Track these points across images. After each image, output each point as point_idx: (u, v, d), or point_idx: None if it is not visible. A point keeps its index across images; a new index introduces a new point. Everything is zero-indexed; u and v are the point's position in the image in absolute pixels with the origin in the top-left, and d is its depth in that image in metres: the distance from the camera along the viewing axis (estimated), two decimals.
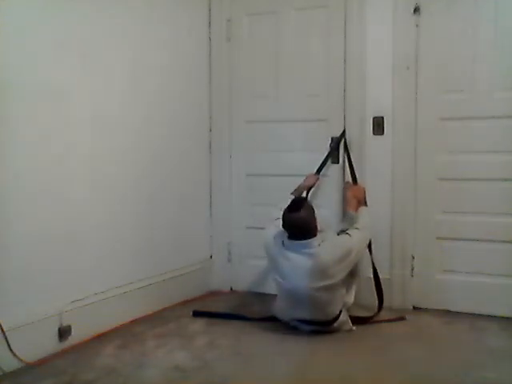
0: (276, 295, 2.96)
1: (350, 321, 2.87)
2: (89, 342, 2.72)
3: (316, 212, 2.83)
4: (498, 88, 3.03)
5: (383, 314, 3.06)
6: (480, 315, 3.05)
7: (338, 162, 3.35)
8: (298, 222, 2.76)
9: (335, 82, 3.36)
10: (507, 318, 3.00)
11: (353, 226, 2.91)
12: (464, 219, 3.14)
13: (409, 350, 2.64)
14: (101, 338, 2.77)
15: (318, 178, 3.30)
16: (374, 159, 3.29)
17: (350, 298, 2.95)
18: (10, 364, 2.38)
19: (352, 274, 2.90)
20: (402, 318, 3.05)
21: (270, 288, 3.08)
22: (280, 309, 2.93)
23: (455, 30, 3.12)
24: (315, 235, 2.77)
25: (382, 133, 3.27)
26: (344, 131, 3.33)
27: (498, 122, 3.05)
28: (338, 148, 3.34)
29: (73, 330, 2.66)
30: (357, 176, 3.24)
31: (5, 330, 2.34)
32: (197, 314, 3.17)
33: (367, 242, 3.01)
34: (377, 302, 3.10)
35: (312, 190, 3.30)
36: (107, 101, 2.90)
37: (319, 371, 2.43)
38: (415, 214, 3.23)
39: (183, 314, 3.17)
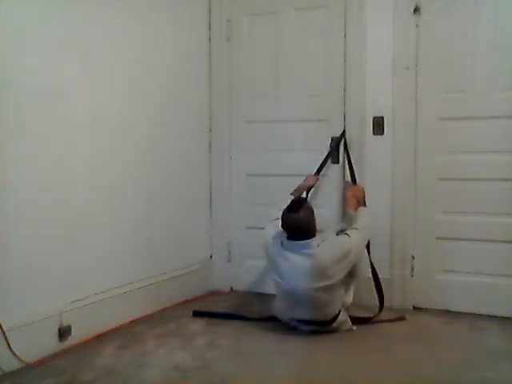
0: (275, 295, 2.97)
1: (349, 320, 2.87)
2: (89, 342, 2.72)
3: (315, 212, 2.83)
4: (498, 88, 3.03)
5: (383, 314, 3.06)
6: (480, 315, 3.05)
7: (338, 162, 3.35)
8: (297, 223, 2.76)
9: (335, 82, 3.36)
10: (507, 318, 3.00)
11: (352, 226, 2.92)
12: (464, 219, 3.14)
13: (409, 350, 2.64)
14: (101, 338, 2.77)
15: (317, 179, 3.29)
16: (374, 159, 3.29)
17: (349, 298, 2.95)
18: (10, 364, 2.38)
19: (351, 274, 2.90)
20: (402, 318, 3.05)
21: (270, 288, 3.08)
22: (279, 309, 2.93)
23: (455, 30, 3.12)
24: (314, 236, 2.77)
25: (382, 133, 3.27)
26: (344, 131, 3.33)
27: (498, 121, 3.05)
28: (338, 148, 3.34)
29: (73, 329, 2.66)
30: (356, 176, 3.24)
31: (5, 330, 2.34)
32: (197, 313, 3.17)
33: (366, 243, 3.01)
34: (377, 302, 3.10)
35: (312, 190, 3.30)
36: (107, 101, 2.90)
37: (319, 371, 2.43)
38: (415, 214, 3.23)
39: (183, 314, 3.17)
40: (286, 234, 2.82)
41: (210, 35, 3.65)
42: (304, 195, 3.20)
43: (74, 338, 2.67)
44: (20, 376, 2.36)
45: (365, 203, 3.14)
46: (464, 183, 3.13)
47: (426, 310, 3.21)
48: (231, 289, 3.72)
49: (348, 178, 3.28)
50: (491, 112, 3.05)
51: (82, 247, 2.77)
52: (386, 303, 3.12)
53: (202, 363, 2.50)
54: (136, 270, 3.11)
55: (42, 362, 2.48)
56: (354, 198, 3.10)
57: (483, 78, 3.06)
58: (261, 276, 3.51)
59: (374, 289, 3.13)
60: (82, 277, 2.76)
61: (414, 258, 3.25)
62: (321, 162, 3.30)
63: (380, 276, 3.15)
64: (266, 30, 3.56)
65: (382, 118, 3.26)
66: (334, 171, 3.37)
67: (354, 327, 2.87)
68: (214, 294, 3.64)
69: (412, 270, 3.25)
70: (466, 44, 3.09)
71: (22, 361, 2.41)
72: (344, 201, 3.25)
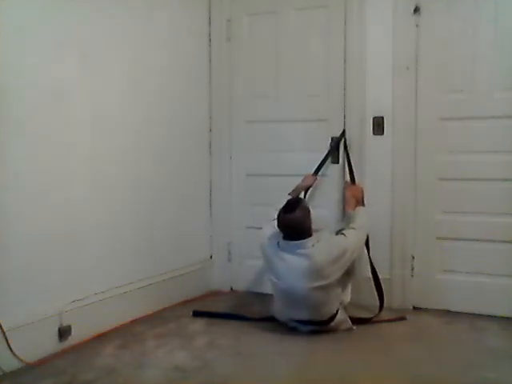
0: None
1: (349, 319, 2.87)
2: (89, 342, 2.72)
3: (312, 212, 2.84)
4: (498, 88, 3.03)
5: (383, 314, 3.06)
6: (480, 315, 3.05)
7: (337, 162, 3.35)
8: (293, 223, 2.76)
9: (335, 82, 3.36)
10: (507, 318, 3.00)
11: (349, 225, 2.92)
12: (464, 219, 3.14)
13: (409, 350, 2.64)
14: (101, 338, 2.77)
15: (315, 179, 3.29)
16: (374, 159, 3.29)
17: (347, 297, 2.96)
18: (10, 364, 2.38)
19: (348, 273, 2.90)
20: (402, 318, 3.05)
21: (270, 288, 3.07)
22: (277, 310, 2.94)
23: (455, 30, 3.11)
24: (310, 236, 2.78)
25: (382, 133, 3.27)
26: (344, 131, 3.33)
27: (498, 121, 3.05)
28: (337, 148, 3.34)
29: (73, 329, 2.66)
30: (355, 176, 3.24)
31: (5, 330, 2.34)
32: (197, 313, 3.17)
33: (363, 242, 3.02)
34: (377, 302, 3.10)
35: (310, 190, 3.30)
36: (107, 101, 2.90)
37: (319, 371, 2.43)
38: (415, 214, 3.23)
39: (183, 314, 3.17)
40: (282, 235, 2.82)
41: (210, 35, 3.65)
42: (302, 195, 3.20)
43: (74, 338, 2.67)
44: (20, 376, 2.36)
45: (363, 203, 3.14)
46: (464, 183, 3.13)
47: (426, 310, 3.20)
48: (231, 289, 3.72)
49: (348, 178, 3.28)
50: (491, 112, 3.05)
51: (82, 247, 2.77)
52: (386, 303, 3.12)
53: (201, 363, 2.50)
54: (136, 269, 3.11)
55: (42, 362, 2.48)
56: (353, 197, 3.10)
57: (483, 78, 3.06)
58: (261, 276, 3.50)
59: (374, 289, 3.13)
60: (82, 277, 2.76)
61: (414, 258, 3.24)
62: (319, 162, 3.30)
63: (380, 276, 3.14)
64: (265, 30, 3.55)
65: (382, 118, 3.26)
66: (333, 171, 3.37)
67: (354, 327, 2.87)
68: (213, 293, 3.64)
69: (412, 269, 3.25)
70: (466, 44, 3.09)
71: (22, 361, 2.41)
72: (344, 201, 3.25)
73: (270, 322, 2.95)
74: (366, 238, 3.02)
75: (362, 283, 3.16)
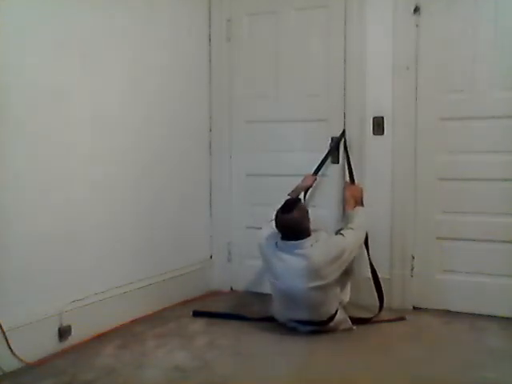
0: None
1: (348, 319, 2.87)
2: (89, 342, 2.72)
3: (310, 212, 2.84)
4: (498, 88, 3.03)
5: (383, 314, 3.06)
6: (480, 315, 3.05)
7: (337, 162, 3.35)
8: (290, 223, 2.77)
9: (335, 82, 3.36)
10: (507, 318, 3.00)
11: (347, 225, 2.92)
12: (464, 219, 3.14)
13: (409, 350, 2.64)
14: (101, 338, 2.77)
15: (315, 179, 3.29)
16: (374, 159, 3.29)
17: (346, 297, 2.96)
18: (10, 364, 2.38)
19: (347, 273, 2.90)
20: (402, 318, 3.05)
21: (269, 288, 3.07)
22: (277, 310, 2.94)
23: (455, 30, 3.11)
24: (308, 236, 2.78)
25: (382, 133, 3.27)
26: (344, 131, 3.33)
27: (498, 121, 3.05)
28: (337, 148, 3.34)
29: (73, 329, 2.66)
30: (355, 176, 3.24)
31: (5, 330, 2.34)
32: (197, 313, 3.17)
33: (361, 242, 3.02)
34: (377, 302, 3.10)
35: (310, 190, 3.30)
36: (107, 101, 2.90)
37: (319, 371, 2.43)
38: (415, 214, 3.23)
39: (183, 314, 3.17)
40: (280, 235, 2.82)
41: (210, 35, 3.65)
42: (302, 195, 3.20)
43: (74, 338, 2.67)
44: (20, 376, 2.36)
45: (362, 203, 3.14)
46: (464, 183, 3.13)
47: (426, 310, 3.20)
48: (231, 289, 3.72)
49: (347, 178, 3.28)
50: (491, 112, 3.05)
51: (82, 247, 2.77)
52: (385, 303, 3.11)
53: (201, 363, 2.50)
54: (136, 269, 3.11)
55: (42, 362, 2.48)
56: (352, 197, 3.10)
57: (483, 78, 3.06)
58: (261, 276, 3.50)
59: (374, 289, 3.12)
60: (82, 277, 2.76)
61: (413, 257, 3.24)
62: (319, 161, 3.30)
63: (380, 276, 3.14)
64: (265, 30, 3.55)
65: (382, 117, 3.26)
66: (333, 171, 3.37)
67: (354, 327, 2.87)
68: (213, 293, 3.64)
69: (412, 269, 3.25)
70: (466, 44, 3.09)
71: (22, 361, 2.41)
72: (344, 201, 3.25)
73: (270, 322, 2.95)
74: (364, 237, 3.02)
75: (361, 283, 3.17)
